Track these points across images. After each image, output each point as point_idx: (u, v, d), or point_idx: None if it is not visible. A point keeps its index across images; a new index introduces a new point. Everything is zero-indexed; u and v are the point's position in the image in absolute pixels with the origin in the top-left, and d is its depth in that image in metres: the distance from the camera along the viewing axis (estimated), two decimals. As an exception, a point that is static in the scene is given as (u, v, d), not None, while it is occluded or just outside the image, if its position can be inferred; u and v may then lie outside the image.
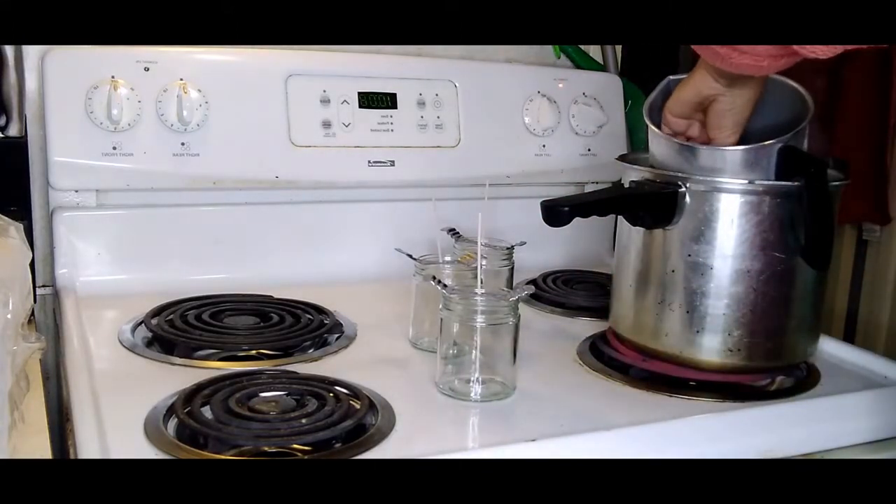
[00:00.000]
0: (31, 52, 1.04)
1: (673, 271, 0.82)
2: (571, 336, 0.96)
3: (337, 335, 0.94)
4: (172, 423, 0.71)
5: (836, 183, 0.82)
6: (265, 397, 0.75)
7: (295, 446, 0.67)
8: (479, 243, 0.84)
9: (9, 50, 1.00)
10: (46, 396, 0.77)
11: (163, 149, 1.05)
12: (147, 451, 0.66)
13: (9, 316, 0.68)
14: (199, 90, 1.06)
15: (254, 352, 0.87)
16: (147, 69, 1.04)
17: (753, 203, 0.79)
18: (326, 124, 1.14)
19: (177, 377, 0.79)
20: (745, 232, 0.80)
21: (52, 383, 0.95)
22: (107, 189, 1.06)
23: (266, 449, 0.67)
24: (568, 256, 1.27)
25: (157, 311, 0.95)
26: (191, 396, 0.73)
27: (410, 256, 0.91)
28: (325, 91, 1.14)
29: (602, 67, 1.38)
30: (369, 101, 1.16)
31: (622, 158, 0.91)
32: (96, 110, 1.02)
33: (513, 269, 0.98)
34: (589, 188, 1.31)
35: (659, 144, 0.85)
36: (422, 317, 0.91)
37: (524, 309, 0.86)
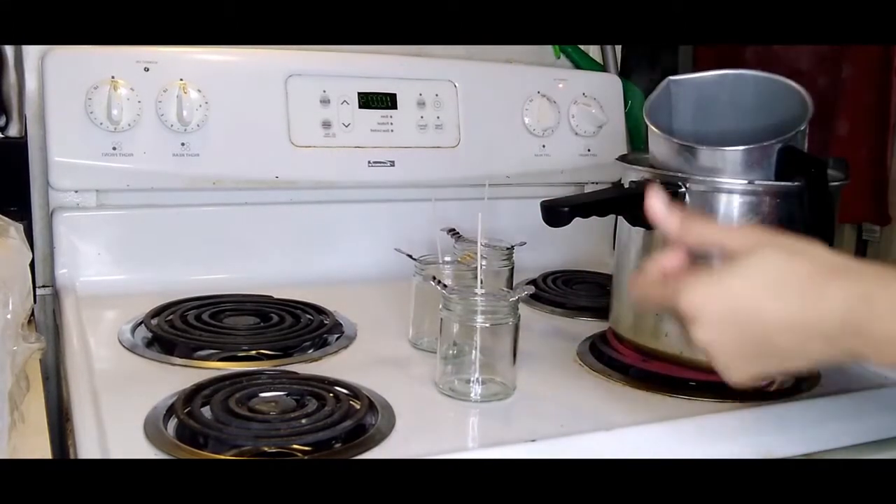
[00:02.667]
0: (31, 52, 1.04)
1: (673, 271, 0.82)
2: (571, 336, 0.96)
3: (337, 335, 0.94)
4: (172, 423, 0.71)
5: (836, 183, 0.82)
6: (265, 397, 0.74)
7: (295, 446, 0.67)
8: (479, 243, 0.84)
9: (9, 50, 1.00)
10: (46, 396, 0.77)
11: (163, 149, 1.05)
12: (147, 451, 0.66)
13: (9, 316, 0.68)
14: (199, 90, 1.06)
15: (254, 352, 0.87)
16: (147, 69, 1.04)
17: (753, 203, 0.79)
18: (326, 124, 1.14)
19: (177, 377, 0.79)
20: (745, 232, 0.79)
21: (52, 383, 0.95)
22: (107, 189, 1.06)
23: (266, 449, 0.67)
24: (568, 256, 1.27)
25: (157, 312, 0.95)
26: (191, 396, 0.73)
27: (410, 256, 0.91)
28: (325, 91, 1.14)
29: (602, 67, 1.38)
30: (369, 101, 1.16)
31: (622, 158, 0.91)
32: (96, 110, 1.02)
33: (513, 269, 0.98)
34: (589, 188, 1.31)
35: (659, 144, 0.85)
36: (422, 317, 0.91)
37: (524, 309, 0.86)
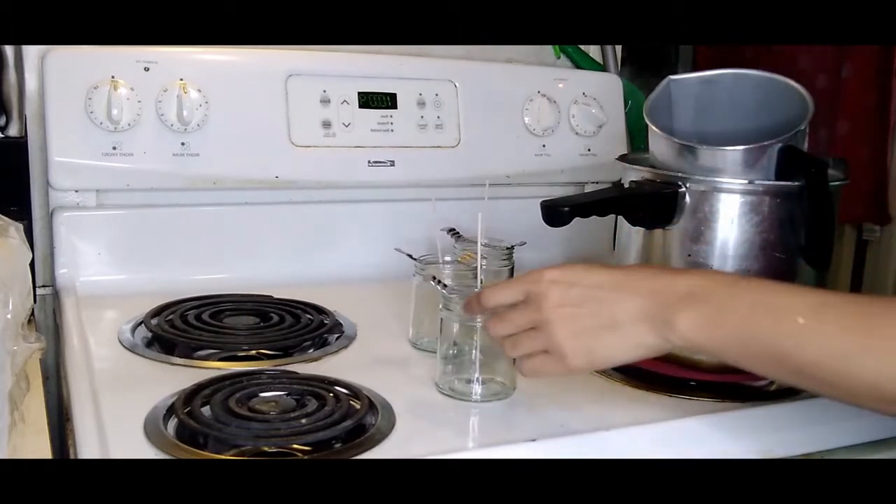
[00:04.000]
0: (31, 52, 1.04)
1: (673, 271, 0.82)
2: (571, 336, 0.96)
3: (337, 335, 0.94)
4: (172, 423, 0.71)
5: (836, 183, 0.82)
6: (265, 397, 0.75)
7: (295, 446, 0.67)
8: (479, 243, 0.84)
9: (9, 50, 1.00)
10: (46, 396, 0.77)
11: (163, 149, 1.05)
12: (147, 451, 0.66)
13: (9, 316, 0.68)
14: (199, 90, 1.06)
15: (254, 352, 0.87)
16: (147, 69, 1.04)
17: (753, 203, 0.79)
18: (326, 124, 1.14)
19: (177, 377, 0.79)
20: (745, 232, 0.80)
21: (52, 383, 0.95)
22: (107, 189, 1.06)
23: (266, 449, 0.67)
24: (568, 256, 1.27)
25: (157, 311, 0.95)
26: (191, 396, 0.73)
27: (410, 256, 0.91)
28: (325, 91, 1.14)
29: (602, 67, 1.38)
30: (369, 101, 1.16)
31: (622, 158, 0.91)
32: (96, 110, 1.02)
33: (513, 269, 0.98)
34: (589, 188, 1.31)
35: (659, 144, 0.85)
36: (422, 317, 0.91)
37: (524, 309, 0.86)
